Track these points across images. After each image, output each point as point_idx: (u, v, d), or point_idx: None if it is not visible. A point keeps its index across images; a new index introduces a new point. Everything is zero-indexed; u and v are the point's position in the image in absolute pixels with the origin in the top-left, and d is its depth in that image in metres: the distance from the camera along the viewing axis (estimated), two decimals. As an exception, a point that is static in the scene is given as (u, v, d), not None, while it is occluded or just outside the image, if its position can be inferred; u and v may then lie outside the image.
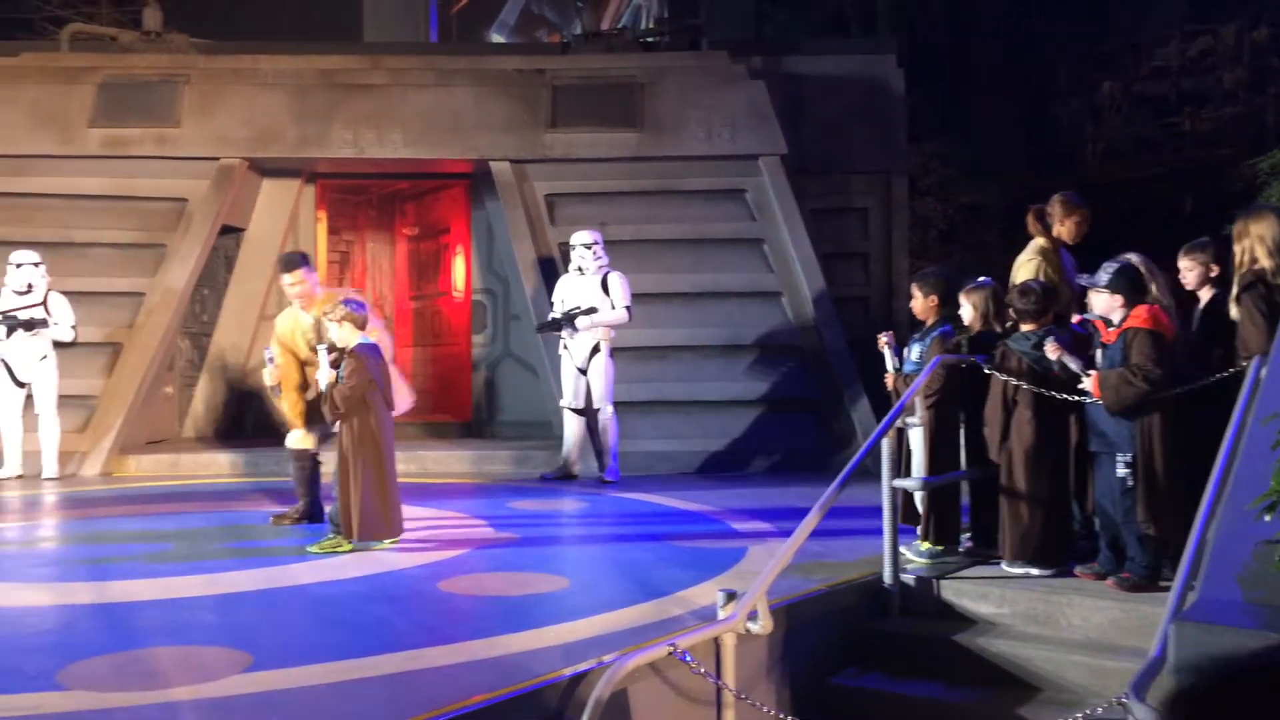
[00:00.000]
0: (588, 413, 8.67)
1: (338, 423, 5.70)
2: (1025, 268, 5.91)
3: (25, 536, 6.52)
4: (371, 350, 5.73)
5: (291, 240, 11.23)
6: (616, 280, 8.66)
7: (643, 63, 10.98)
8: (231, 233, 10.86)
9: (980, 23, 17.53)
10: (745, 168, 10.40)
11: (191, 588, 4.98)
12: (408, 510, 6.11)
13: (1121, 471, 4.83)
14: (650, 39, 11.79)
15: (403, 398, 6.23)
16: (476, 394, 11.15)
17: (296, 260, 6.52)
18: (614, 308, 8.60)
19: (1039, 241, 6.07)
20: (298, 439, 6.53)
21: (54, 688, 3.55)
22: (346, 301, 5.76)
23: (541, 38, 17.86)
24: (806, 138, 10.81)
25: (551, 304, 8.99)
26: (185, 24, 12.00)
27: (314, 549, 5.71)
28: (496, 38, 17.63)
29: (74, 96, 10.34)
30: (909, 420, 5.41)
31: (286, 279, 6.45)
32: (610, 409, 8.58)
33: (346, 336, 5.70)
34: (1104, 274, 4.93)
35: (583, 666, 3.70)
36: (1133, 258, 5.51)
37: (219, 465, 9.39)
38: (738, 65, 10.80)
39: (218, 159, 10.31)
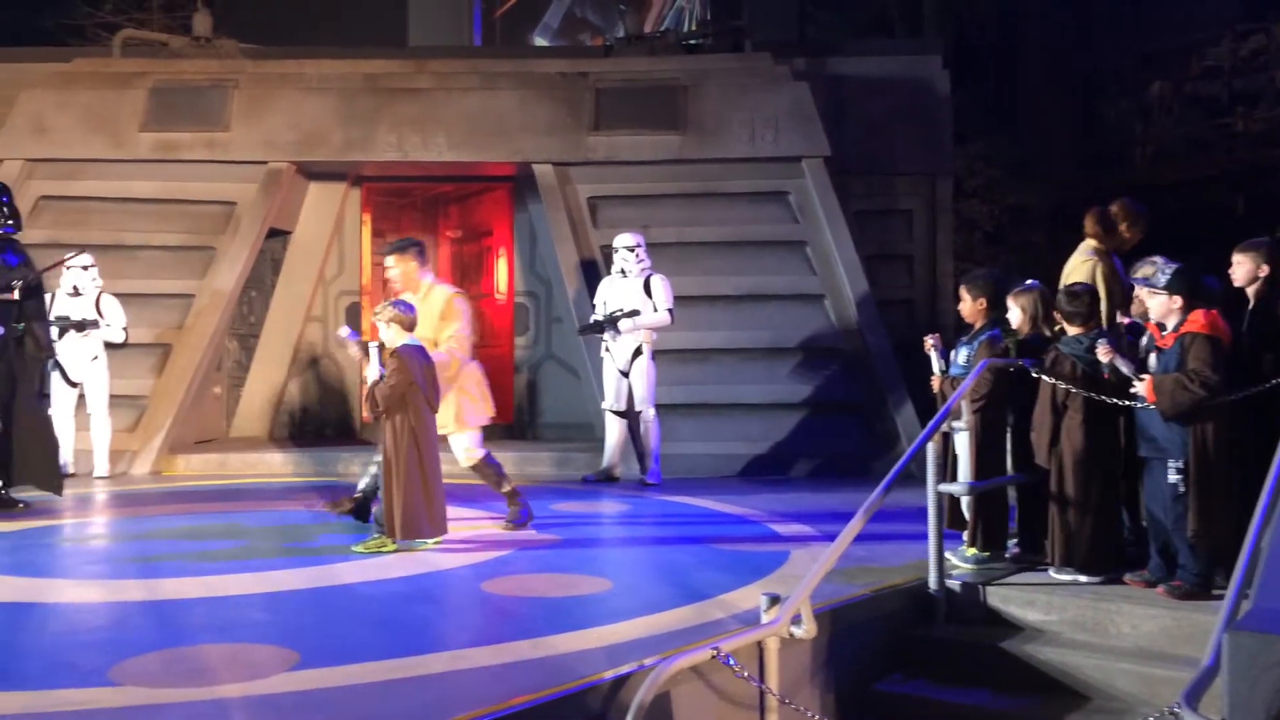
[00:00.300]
0: (629, 415, 8.68)
1: (377, 420, 5.76)
2: (1080, 269, 5.84)
3: (77, 534, 6.63)
4: (416, 352, 5.78)
5: (337, 243, 11.35)
6: (659, 283, 8.66)
7: (685, 65, 10.97)
8: (278, 236, 10.99)
9: (1027, 22, 17.33)
10: (788, 169, 10.35)
11: (240, 586, 5.05)
12: (452, 511, 6.14)
13: (1173, 478, 4.75)
14: (693, 41, 11.78)
15: (479, 410, 6.35)
16: (519, 396, 11.19)
17: (403, 245, 6.55)
18: (656, 310, 8.60)
19: (1093, 244, 5.99)
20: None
21: (106, 684, 3.61)
22: (395, 303, 5.83)
23: (584, 40, 17.91)
24: (850, 139, 10.74)
25: (594, 306, 9.00)
26: (234, 29, 12.17)
27: (359, 548, 5.75)
28: (540, 41, 17.70)
29: (126, 101, 10.51)
30: (954, 425, 5.36)
31: (388, 261, 6.55)
32: (652, 411, 8.59)
33: (392, 337, 5.76)
34: (1161, 276, 4.84)
35: (626, 669, 3.70)
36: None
37: (266, 465, 9.50)
38: (781, 66, 10.76)
39: (265, 163, 10.43)
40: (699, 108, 10.50)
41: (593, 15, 18.67)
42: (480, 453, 6.51)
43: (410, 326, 5.81)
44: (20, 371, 6.95)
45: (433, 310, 6.34)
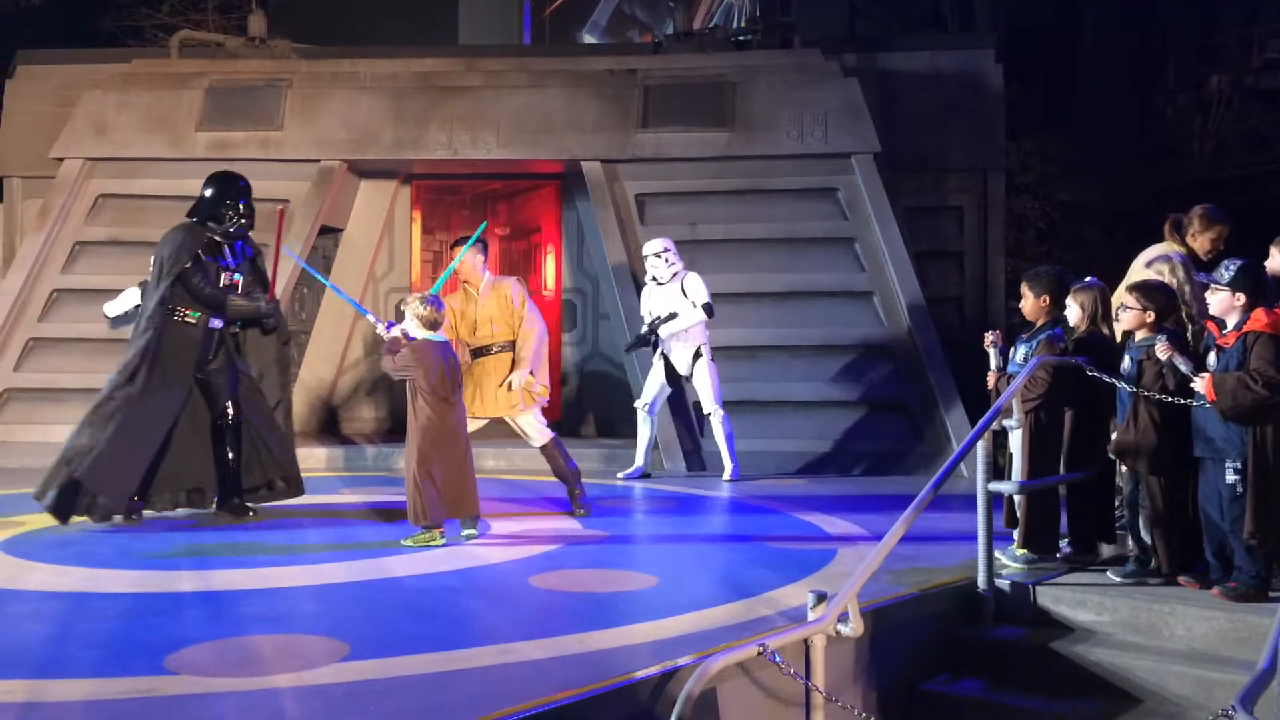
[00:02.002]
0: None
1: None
2: (1152, 269, 5.69)
3: (133, 527, 6.74)
4: (437, 347, 5.92)
5: (387, 240, 11.47)
6: (693, 281, 8.66)
7: (734, 61, 10.94)
8: (330, 233, 11.12)
9: (1083, 14, 17.05)
10: (837, 166, 10.29)
11: (290, 578, 5.12)
12: (499, 507, 6.20)
13: (1231, 478, 4.65)
14: (742, 37, 11.74)
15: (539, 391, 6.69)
16: (566, 392, 11.24)
17: (473, 239, 6.95)
18: (695, 307, 8.61)
19: (1175, 246, 5.89)
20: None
21: (163, 672, 3.68)
22: (426, 299, 5.96)
23: (633, 38, 17.92)
24: (900, 135, 10.64)
25: (642, 317, 9.01)
26: (288, 30, 12.34)
27: (408, 542, 5.82)
28: (588, 39, 17.73)
29: (183, 101, 10.70)
30: (1006, 423, 5.29)
31: (459, 251, 6.92)
32: (721, 411, 8.58)
33: (412, 329, 5.93)
34: (1226, 272, 4.75)
35: (672, 664, 3.71)
36: (1174, 257, 5.33)
37: (315, 460, 9.61)
38: (830, 62, 10.69)
39: (318, 161, 10.57)
40: (748, 104, 10.47)
41: (641, 12, 18.66)
42: (549, 434, 6.87)
43: (432, 325, 5.93)
44: (243, 368, 6.88)
45: (503, 296, 6.90)
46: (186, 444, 6.64)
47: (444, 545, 5.78)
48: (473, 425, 6.57)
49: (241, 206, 6.79)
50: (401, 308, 6.07)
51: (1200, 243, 5.96)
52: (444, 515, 5.88)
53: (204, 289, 6.58)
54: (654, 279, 8.73)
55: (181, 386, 6.57)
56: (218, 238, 6.75)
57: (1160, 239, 6.09)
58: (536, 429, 6.83)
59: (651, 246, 8.80)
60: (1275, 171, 14.64)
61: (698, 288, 8.62)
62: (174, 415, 6.53)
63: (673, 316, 8.59)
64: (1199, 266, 5.81)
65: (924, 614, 4.80)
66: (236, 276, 6.77)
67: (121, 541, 6.02)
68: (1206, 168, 15.31)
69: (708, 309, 8.61)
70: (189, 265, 6.55)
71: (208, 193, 6.82)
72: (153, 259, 6.69)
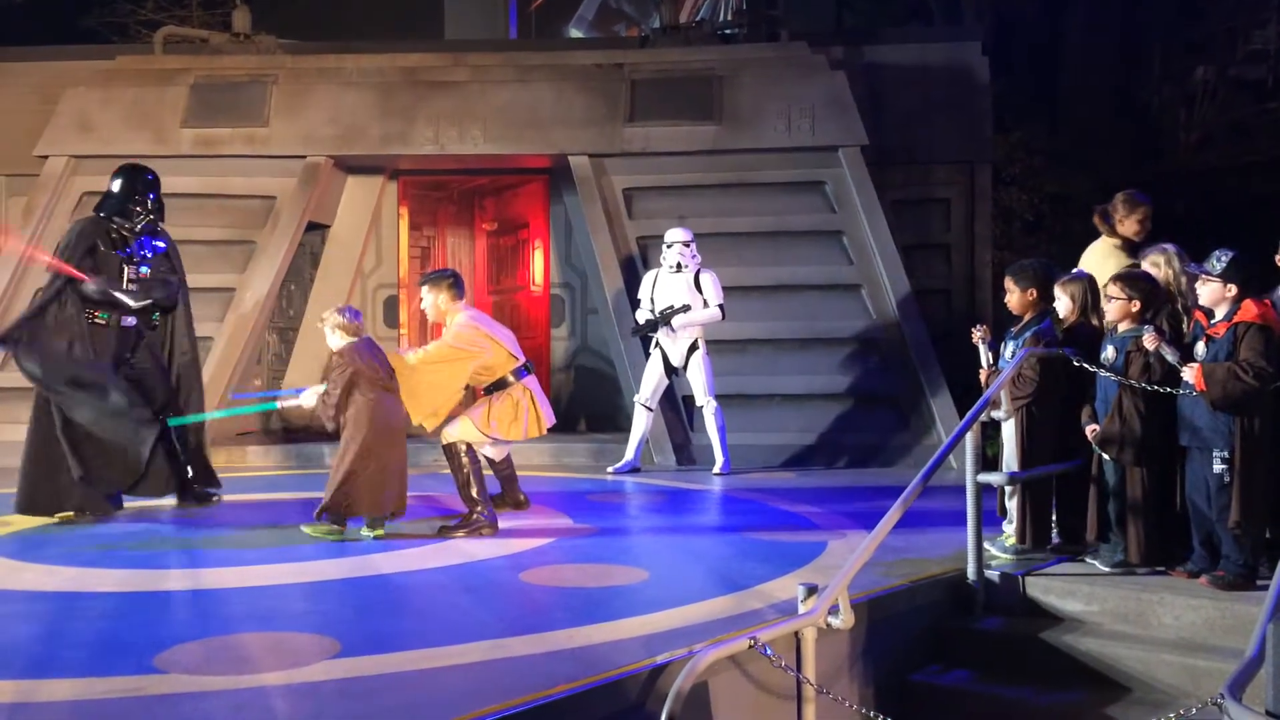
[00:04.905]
0: (655, 408, 8.74)
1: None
2: (1104, 266, 5.74)
3: (121, 525, 6.72)
4: (361, 345, 5.91)
5: (375, 236, 11.43)
6: (709, 279, 8.66)
7: (721, 55, 10.93)
8: (317, 229, 11.09)
9: (1069, 7, 17.08)
10: (825, 159, 10.30)
11: (279, 576, 5.11)
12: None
13: (1218, 468, 4.68)
14: (729, 31, 11.73)
15: (501, 426, 6.36)
16: (554, 387, 11.23)
17: (436, 276, 6.48)
18: (707, 305, 8.61)
19: (1109, 240, 5.95)
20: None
21: (153, 671, 3.67)
22: (342, 310, 5.97)
23: (620, 31, 17.87)
24: (888, 128, 10.66)
25: (638, 301, 8.98)
26: (273, 25, 12.28)
27: (307, 529, 5.87)
28: (575, 33, 17.69)
29: (167, 98, 10.64)
30: (995, 414, 5.29)
31: (421, 290, 6.49)
32: (714, 403, 8.59)
33: (336, 341, 5.92)
34: (1217, 263, 4.76)
35: (663, 658, 3.71)
36: (1170, 248, 5.34)
37: (304, 457, 9.60)
38: (817, 55, 10.69)
39: (304, 157, 10.52)
40: (735, 98, 10.47)
41: (628, 6, 18.62)
42: (460, 438, 6.28)
43: (354, 332, 5.93)
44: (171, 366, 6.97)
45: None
46: (138, 437, 6.63)
47: (341, 539, 5.80)
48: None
49: (150, 202, 6.78)
50: (319, 325, 6.04)
51: (1128, 226, 6.04)
52: (360, 514, 5.87)
53: (87, 287, 6.54)
54: (673, 266, 8.69)
55: (112, 384, 6.56)
56: (124, 231, 6.72)
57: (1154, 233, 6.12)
58: (449, 429, 6.34)
59: (677, 235, 8.77)
60: (1260, 162, 14.68)
61: (714, 288, 8.64)
62: (119, 409, 6.54)
63: (685, 309, 8.58)
64: (1132, 250, 5.87)
65: (914, 605, 4.81)
66: (143, 270, 6.75)
67: (109, 540, 5.99)
68: (1191, 158, 15.35)
69: (721, 310, 8.63)
70: (81, 259, 6.52)
71: (115, 186, 6.80)
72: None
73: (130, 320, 6.71)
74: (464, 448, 6.28)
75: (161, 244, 6.92)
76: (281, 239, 10.24)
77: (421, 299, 6.50)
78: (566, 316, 11.34)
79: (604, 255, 10.12)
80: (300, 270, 11.19)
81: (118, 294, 6.64)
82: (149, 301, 6.76)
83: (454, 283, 6.42)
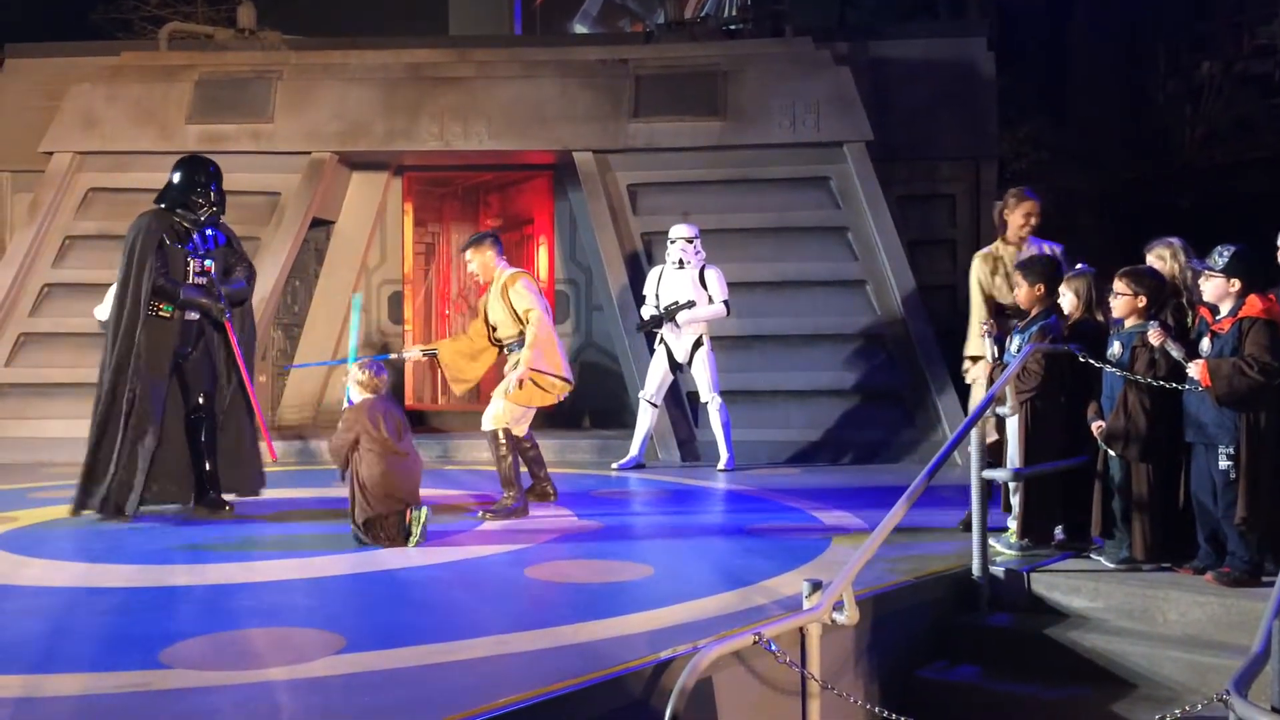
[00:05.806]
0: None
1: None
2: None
3: (127, 521, 6.72)
4: (374, 403, 5.80)
5: (379, 232, 11.43)
6: (714, 275, 8.66)
7: (726, 50, 10.92)
8: (321, 225, 11.09)
9: (1074, 2, 17.03)
10: (829, 155, 10.29)
11: (283, 571, 5.12)
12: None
13: (1224, 464, 4.67)
14: (733, 26, 11.72)
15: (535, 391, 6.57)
16: (560, 383, 11.22)
17: (479, 238, 6.96)
18: (712, 302, 8.60)
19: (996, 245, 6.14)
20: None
21: (159, 666, 3.68)
22: (368, 365, 5.94)
23: (624, 27, 17.85)
24: (893, 123, 10.64)
25: (643, 297, 8.98)
26: (277, 21, 12.29)
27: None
28: (580, 28, 17.67)
29: (172, 94, 10.65)
30: (1000, 410, 5.29)
31: (466, 255, 6.93)
32: (719, 399, 8.59)
33: (354, 394, 5.91)
34: (1220, 258, 4.74)
35: (667, 654, 3.71)
36: (1175, 242, 5.32)
37: (309, 453, 9.61)
38: (822, 51, 10.68)
39: (309, 153, 10.53)
40: (739, 93, 10.46)
41: (632, 2, 18.58)
42: (498, 424, 6.51)
43: (374, 389, 5.88)
44: (220, 361, 6.70)
45: (504, 295, 6.64)
46: (167, 437, 6.51)
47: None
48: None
49: (212, 193, 6.65)
50: (343, 379, 6.07)
51: (1015, 218, 6.23)
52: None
53: (157, 281, 6.38)
54: (677, 263, 8.69)
55: (162, 380, 6.45)
56: (186, 224, 6.58)
57: (1152, 228, 6.11)
58: (491, 415, 6.58)
59: (682, 231, 8.77)
60: (1265, 158, 14.64)
61: (719, 284, 8.64)
62: (162, 408, 6.45)
63: (690, 304, 8.58)
64: (1012, 244, 6.08)
65: (919, 601, 4.81)
66: (208, 263, 6.59)
67: (115, 536, 6.00)
68: (1197, 154, 15.31)
69: (727, 306, 8.63)
70: (151, 255, 6.38)
71: (175, 178, 6.67)
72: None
73: (193, 314, 6.54)
74: (503, 434, 6.53)
75: (222, 236, 6.80)
76: (286, 235, 10.25)
77: (468, 263, 6.91)
78: (571, 312, 11.34)
79: (608, 251, 10.12)
80: (305, 266, 11.20)
81: (203, 300, 6.49)
82: (210, 308, 6.55)
83: (495, 240, 6.92)
